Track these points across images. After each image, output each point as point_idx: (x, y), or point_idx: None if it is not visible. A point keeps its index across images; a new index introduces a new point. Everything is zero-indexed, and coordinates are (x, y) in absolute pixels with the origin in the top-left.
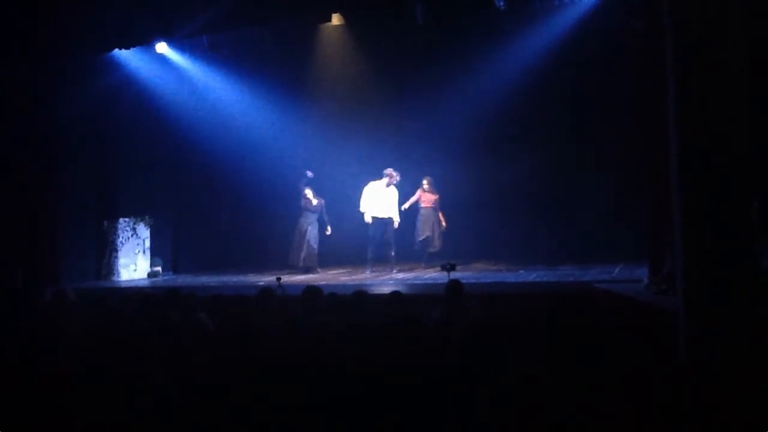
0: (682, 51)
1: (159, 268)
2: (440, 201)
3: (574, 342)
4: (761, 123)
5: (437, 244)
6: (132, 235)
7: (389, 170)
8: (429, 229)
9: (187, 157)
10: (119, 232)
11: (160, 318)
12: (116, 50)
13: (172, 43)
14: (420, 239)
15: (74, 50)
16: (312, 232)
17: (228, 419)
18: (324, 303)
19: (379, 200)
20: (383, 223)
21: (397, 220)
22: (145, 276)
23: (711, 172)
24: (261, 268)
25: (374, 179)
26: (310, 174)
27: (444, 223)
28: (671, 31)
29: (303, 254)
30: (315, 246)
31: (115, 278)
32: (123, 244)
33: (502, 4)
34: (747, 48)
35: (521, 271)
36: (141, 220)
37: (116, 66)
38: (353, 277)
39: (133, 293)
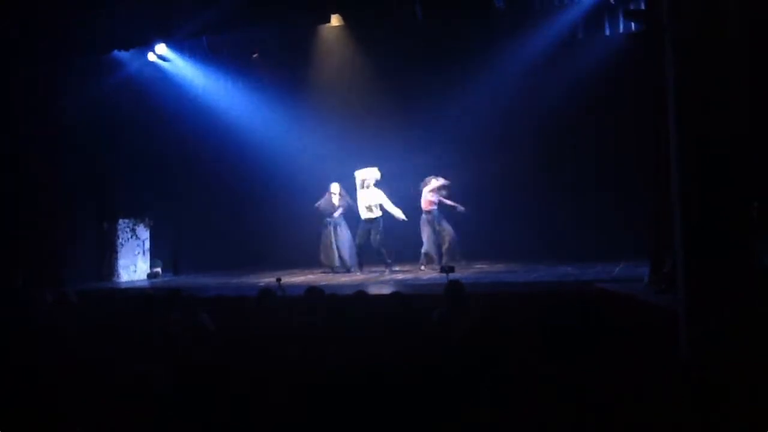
0: (681, 50)
1: (159, 269)
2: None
3: (575, 342)
4: (761, 122)
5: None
6: (132, 236)
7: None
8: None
9: (186, 158)
10: (119, 233)
11: (162, 319)
12: (116, 51)
13: (172, 44)
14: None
15: (74, 52)
16: None
17: (229, 420)
18: (325, 304)
19: (360, 201)
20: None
21: (401, 217)
22: (145, 277)
23: (711, 171)
24: (261, 268)
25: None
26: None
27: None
28: (671, 31)
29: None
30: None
31: (115, 279)
32: (123, 245)
33: (501, 3)
34: (747, 46)
35: (521, 271)
36: (141, 221)
37: (116, 67)
38: (353, 278)
39: (134, 294)
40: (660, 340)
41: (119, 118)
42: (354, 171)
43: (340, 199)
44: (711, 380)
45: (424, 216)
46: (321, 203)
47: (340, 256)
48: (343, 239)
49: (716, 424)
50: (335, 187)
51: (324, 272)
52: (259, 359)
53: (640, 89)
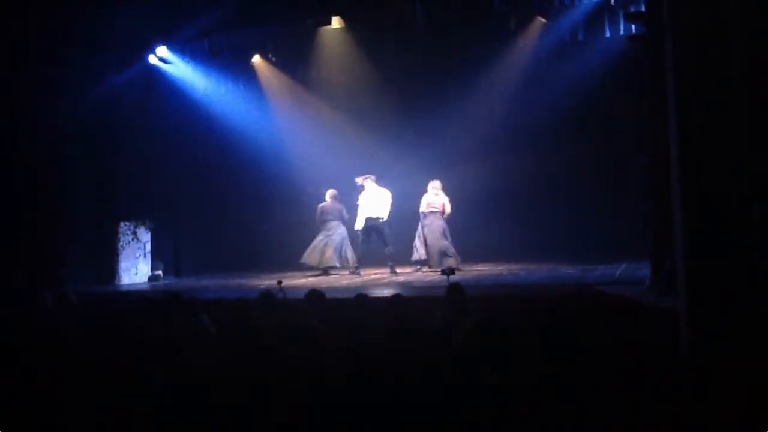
0: (681, 50)
1: (160, 272)
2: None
3: (575, 344)
4: (761, 122)
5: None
6: (133, 239)
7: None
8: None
9: (187, 161)
10: (120, 235)
11: (162, 321)
12: (116, 53)
13: (173, 46)
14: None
15: (74, 52)
16: None
17: (229, 422)
18: (325, 306)
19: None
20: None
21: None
22: (146, 280)
23: (711, 171)
24: (262, 271)
25: (375, 181)
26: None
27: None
28: (671, 31)
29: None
30: None
31: (116, 282)
32: (124, 247)
33: (501, 4)
34: (747, 46)
35: (522, 273)
36: (142, 224)
37: (117, 69)
38: (354, 281)
39: (135, 297)
40: (660, 341)
41: (120, 120)
42: (354, 172)
43: (339, 203)
44: (711, 380)
45: (438, 216)
46: (325, 206)
47: (335, 257)
48: (339, 241)
49: (716, 425)
50: (333, 192)
51: (324, 275)
52: (259, 361)
53: (640, 90)
